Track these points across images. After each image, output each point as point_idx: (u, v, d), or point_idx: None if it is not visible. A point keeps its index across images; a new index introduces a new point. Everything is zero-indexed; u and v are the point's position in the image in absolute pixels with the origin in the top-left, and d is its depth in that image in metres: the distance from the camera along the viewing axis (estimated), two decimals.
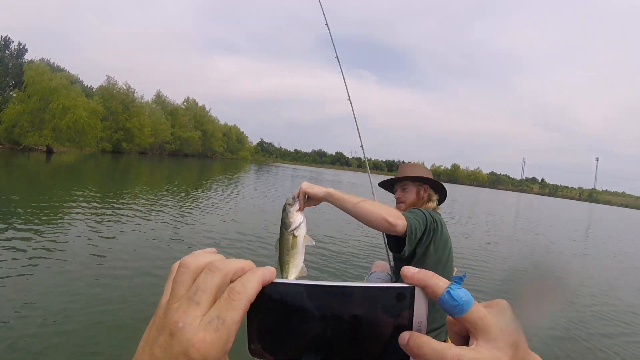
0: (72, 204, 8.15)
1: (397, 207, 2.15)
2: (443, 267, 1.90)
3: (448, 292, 0.32)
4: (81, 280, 4.01)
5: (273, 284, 0.34)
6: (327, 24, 3.19)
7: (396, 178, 2.22)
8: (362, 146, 3.03)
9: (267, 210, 10.14)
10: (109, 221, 6.76)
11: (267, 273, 0.34)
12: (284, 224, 1.33)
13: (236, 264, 0.33)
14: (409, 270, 0.34)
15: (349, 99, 3.03)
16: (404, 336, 0.33)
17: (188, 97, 72.30)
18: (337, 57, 3.18)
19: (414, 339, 0.32)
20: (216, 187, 14.87)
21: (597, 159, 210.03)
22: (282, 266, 1.33)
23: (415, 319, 0.33)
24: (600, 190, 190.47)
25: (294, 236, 1.31)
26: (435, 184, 2.16)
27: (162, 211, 8.18)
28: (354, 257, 6.36)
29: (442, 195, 2.20)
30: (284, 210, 1.34)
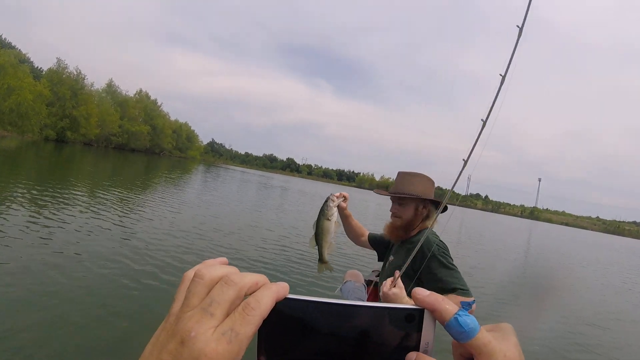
0: (4, 193, 7.65)
1: (393, 222, 2.10)
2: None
3: (456, 318, 0.33)
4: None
5: (286, 299, 0.35)
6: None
7: (395, 194, 2.08)
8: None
9: (199, 217, 9.47)
10: (43, 217, 6.27)
11: (281, 289, 0.35)
12: (323, 212, 1.89)
13: (251, 278, 0.34)
14: (419, 293, 0.35)
15: (465, 160, 1.68)
16: (411, 357, 0.34)
17: (140, 90, 71.22)
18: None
19: None
20: (159, 189, 14.22)
21: (539, 180, 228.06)
22: (318, 242, 1.90)
23: (423, 341, 0.35)
24: (542, 208, 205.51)
25: (329, 220, 1.89)
26: (436, 202, 2.06)
27: (100, 211, 7.67)
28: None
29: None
30: (326, 202, 1.90)
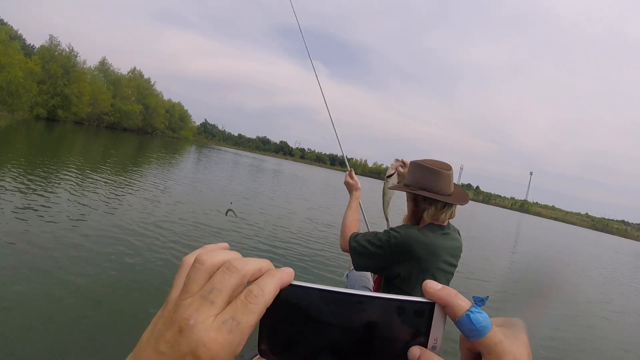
0: None
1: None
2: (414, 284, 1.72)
3: (468, 315, 0.32)
4: None
5: (290, 286, 0.34)
6: (299, 27, 3.21)
7: (395, 188, 2.04)
8: (340, 145, 2.98)
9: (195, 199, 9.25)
10: (31, 197, 6.11)
11: (286, 276, 0.34)
12: (386, 173, 2.25)
13: (254, 264, 0.33)
14: (431, 286, 0.34)
15: (324, 98, 2.99)
16: (415, 352, 0.33)
17: (134, 68, 70.32)
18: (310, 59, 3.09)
19: (426, 357, 0.33)
20: (152, 171, 13.63)
21: (531, 173, 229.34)
22: (383, 197, 2.31)
23: (432, 336, 0.34)
24: (532, 202, 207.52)
25: (387, 181, 2.23)
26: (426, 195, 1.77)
27: (91, 194, 7.38)
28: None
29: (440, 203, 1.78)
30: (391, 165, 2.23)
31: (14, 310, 2.85)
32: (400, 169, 2.18)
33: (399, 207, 2.40)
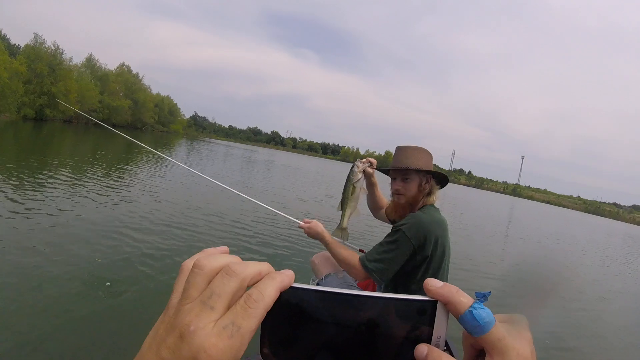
0: None
1: (397, 199, 1.98)
2: (434, 275, 1.76)
3: (470, 311, 0.32)
4: None
5: (290, 288, 0.34)
6: None
7: (399, 168, 1.94)
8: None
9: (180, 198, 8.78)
10: (15, 204, 5.79)
11: (286, 278, 0.34)
12: (349, 177, 1.95)
13: (254, 268, 0.33)
14: (432, 284, 0.34)
15: None
16: (422, 349, 0.33)
17: (123, 63, 69.36)
18: None
19: (433, 355, 0.32)
20: (144, 169, 13.16)
21: (522, 157, 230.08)
22: (343, 206, 1.98)
23: (435, 334, 0.34)
24: (524, 186, 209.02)
25: (354, 187, 1.95)
26: (439, 175, 1.95)
27: (82, 194, 7.14)
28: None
29: (443, 183, 1.99)
30: (352, 167, 1.97)
31: (8, 313, 2.81)
32: (369, 170, 2.07)
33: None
